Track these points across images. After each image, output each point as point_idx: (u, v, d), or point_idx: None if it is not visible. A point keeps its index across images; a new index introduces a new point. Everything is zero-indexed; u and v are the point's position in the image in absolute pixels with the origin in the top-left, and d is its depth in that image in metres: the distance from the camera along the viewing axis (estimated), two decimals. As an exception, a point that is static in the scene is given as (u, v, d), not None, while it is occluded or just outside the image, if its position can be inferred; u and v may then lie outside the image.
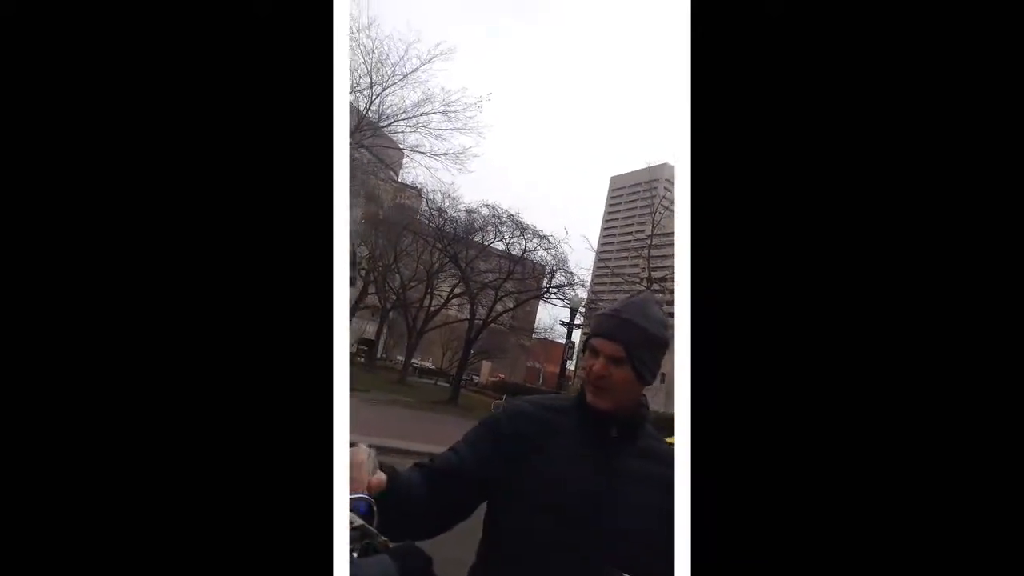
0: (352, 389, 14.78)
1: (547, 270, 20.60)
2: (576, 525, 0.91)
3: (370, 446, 0.80)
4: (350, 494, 0.71)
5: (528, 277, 20.96)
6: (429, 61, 16.95)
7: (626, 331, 0.96)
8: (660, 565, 0.80)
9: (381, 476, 0.77)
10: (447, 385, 23.32)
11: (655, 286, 22.01)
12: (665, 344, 1.01)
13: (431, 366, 37.51)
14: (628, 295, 1.08)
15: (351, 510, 0.69)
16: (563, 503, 0.92)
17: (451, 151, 18.24)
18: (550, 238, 19.61)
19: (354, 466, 0.75)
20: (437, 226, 20.07)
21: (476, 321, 20.32)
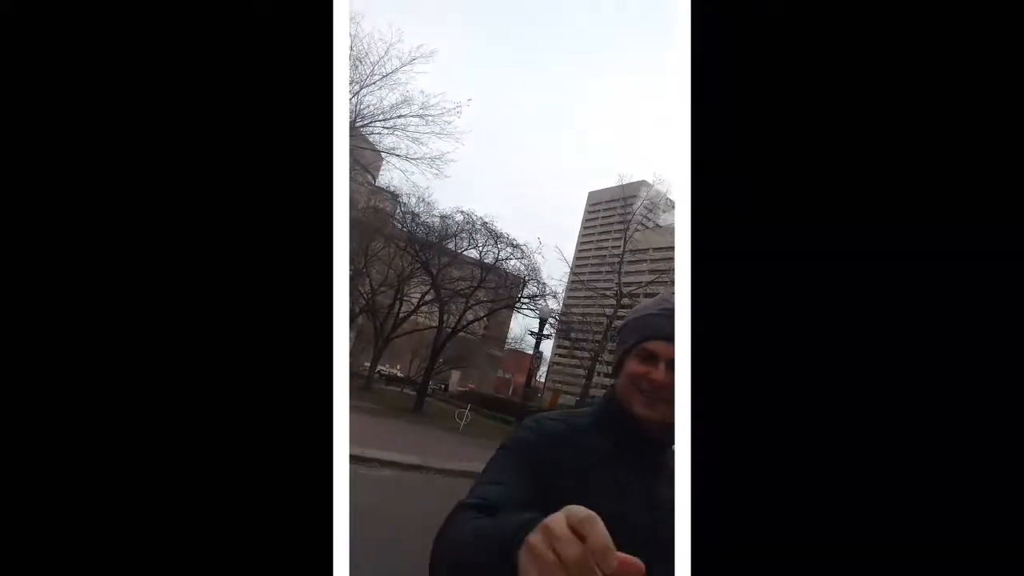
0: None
1: (520, 280, 20.51)
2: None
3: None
4: None
5: (501, 287, 20.84)
6: (410, 62, 16.88)
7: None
8: None
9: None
10: (413, 393, 22.92)
11: (624, 300, 22.46)
12: None
13: (399, 374, 37.05)
14: (659, 294, 0.97)
15: None
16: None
17: (428, 155, 18.12)
18: (523, 247, 19.64)
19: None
20: (410, 231, 19.82)
21: (445, 329, 20.06)
